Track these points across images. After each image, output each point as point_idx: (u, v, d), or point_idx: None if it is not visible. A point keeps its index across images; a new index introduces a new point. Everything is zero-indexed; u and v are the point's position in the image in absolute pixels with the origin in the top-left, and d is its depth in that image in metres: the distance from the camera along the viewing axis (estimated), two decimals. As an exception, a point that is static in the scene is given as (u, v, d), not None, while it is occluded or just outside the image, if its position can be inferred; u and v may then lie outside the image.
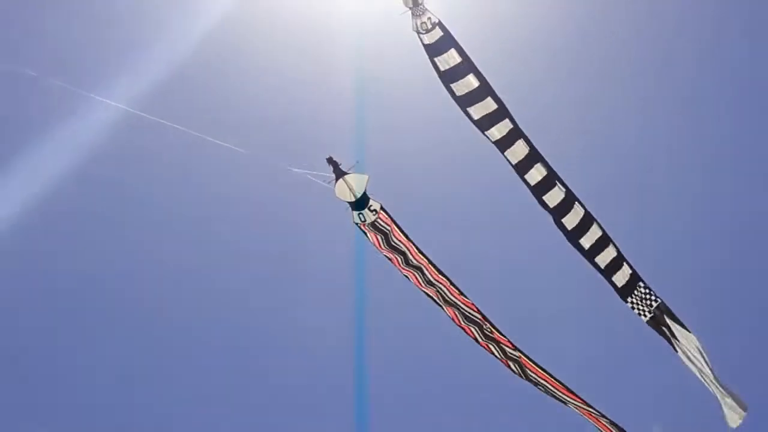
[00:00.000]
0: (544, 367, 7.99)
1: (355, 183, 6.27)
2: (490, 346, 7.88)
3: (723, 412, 7.33)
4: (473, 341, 7.81)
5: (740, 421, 7.29)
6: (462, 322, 7.79)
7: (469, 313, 7.68)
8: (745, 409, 7.29)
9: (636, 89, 16.49)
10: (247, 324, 17.16)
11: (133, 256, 16.52)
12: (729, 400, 7.29)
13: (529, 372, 7.86)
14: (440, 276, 7.47)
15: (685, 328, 7.26)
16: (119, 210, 16.05)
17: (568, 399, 8.09)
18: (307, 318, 16.71)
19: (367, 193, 6.41)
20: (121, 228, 16.25)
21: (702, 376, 7.29)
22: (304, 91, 15.75)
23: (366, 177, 6.41)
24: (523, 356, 7.85)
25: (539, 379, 7.96)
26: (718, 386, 7.25)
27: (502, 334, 7.84)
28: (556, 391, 8.13)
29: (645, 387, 15.78)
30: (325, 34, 15.48)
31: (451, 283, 7.45)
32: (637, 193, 16.46)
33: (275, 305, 16.74)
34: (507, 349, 7.90)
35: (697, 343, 7.25)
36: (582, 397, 8.22)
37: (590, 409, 8.27)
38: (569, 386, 8.04)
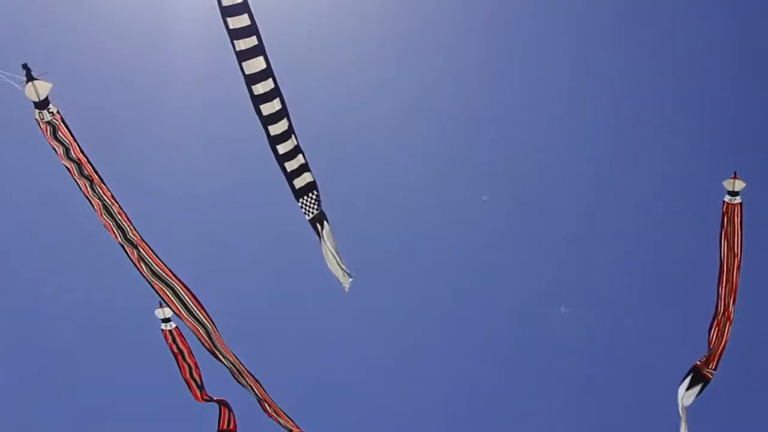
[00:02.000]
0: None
1: (41, 88, 7.59)
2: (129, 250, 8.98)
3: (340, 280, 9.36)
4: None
5: (347, 282, 9.35)
6: (119, 239, 8.96)
7: (126, 227, 8.94)
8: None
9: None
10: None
11: None
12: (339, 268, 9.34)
13: (156, 270, 9.12)
14: (107, 190, 8.72)
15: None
16: None
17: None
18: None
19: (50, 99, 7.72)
20: None
21: (332, 261, 9.29)
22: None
23: (50, 85, 7.73)
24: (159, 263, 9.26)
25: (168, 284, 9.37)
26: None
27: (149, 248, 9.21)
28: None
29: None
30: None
31: (114, 198, 8.68)
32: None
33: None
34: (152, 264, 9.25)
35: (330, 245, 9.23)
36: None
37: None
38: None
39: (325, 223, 9.24)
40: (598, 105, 16.76)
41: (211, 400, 11.26)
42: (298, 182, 9.08)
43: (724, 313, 10.41)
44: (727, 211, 10.03)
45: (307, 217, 9.21)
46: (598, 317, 17.18)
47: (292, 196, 9.06)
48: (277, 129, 8.69)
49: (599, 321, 17.20)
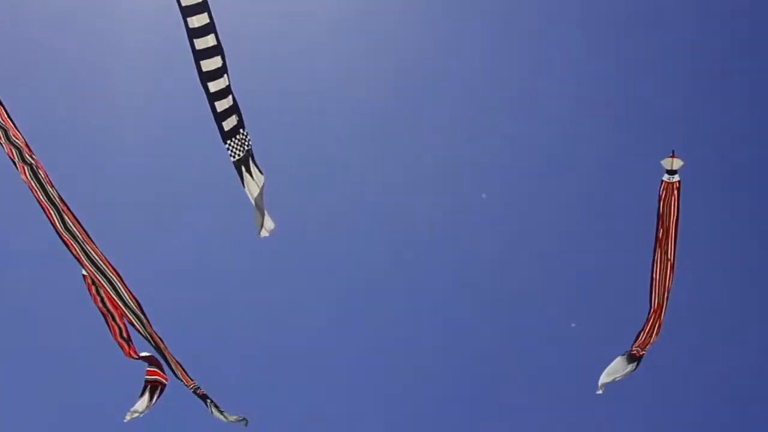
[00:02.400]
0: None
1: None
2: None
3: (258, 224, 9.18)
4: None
5: (264, 233, 9.17)
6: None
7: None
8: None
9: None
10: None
11: None
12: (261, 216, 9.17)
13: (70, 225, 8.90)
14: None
15: (259, 170, 9.09)
16: None
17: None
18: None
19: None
20: None
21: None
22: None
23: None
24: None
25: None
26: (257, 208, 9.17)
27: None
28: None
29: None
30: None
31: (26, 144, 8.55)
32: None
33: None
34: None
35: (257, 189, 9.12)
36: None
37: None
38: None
39: (251, 165, 9.11)
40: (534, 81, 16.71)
41: (140, 357, 11.18)
42: (228, 123, 8.92)
43: (657, 309, 10.26)
44: (665, 191, 9.88)
45: (232, 160, 9.08)
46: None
47: (220, 139, 8.97)
48: (209, 65, 8.56)
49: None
